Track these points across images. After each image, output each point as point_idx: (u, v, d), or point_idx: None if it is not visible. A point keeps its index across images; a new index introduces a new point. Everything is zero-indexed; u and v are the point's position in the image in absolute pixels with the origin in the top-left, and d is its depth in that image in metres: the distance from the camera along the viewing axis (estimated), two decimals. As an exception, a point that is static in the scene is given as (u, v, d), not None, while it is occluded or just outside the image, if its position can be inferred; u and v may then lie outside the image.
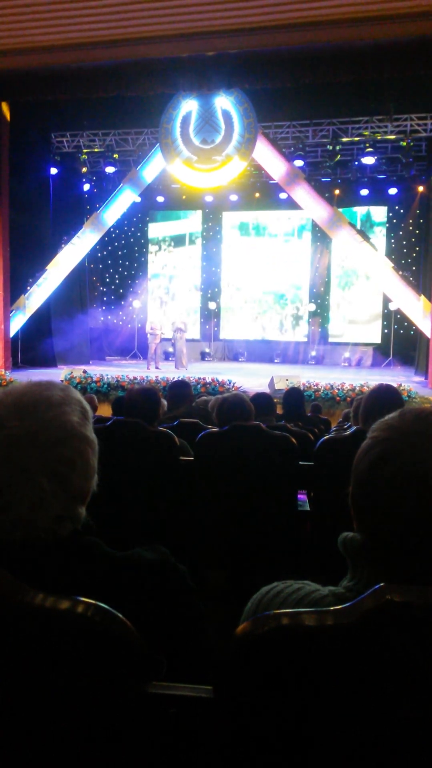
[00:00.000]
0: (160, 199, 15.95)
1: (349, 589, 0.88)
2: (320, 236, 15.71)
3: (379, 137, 12.66)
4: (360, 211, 15.22)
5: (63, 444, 0.96)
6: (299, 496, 2.88)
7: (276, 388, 9.25)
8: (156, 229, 17.31)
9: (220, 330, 16.90)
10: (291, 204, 13.32)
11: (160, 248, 17.31)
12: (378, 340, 15.70)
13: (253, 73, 9.44)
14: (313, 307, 16.16)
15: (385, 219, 15.64)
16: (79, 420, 1.00)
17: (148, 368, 13.11)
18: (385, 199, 15.03)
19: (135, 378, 10.46)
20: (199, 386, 9.52)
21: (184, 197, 15.55)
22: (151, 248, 17.30)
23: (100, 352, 16.16)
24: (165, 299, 17.06)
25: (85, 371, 10.76)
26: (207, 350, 16.50)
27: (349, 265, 15.17)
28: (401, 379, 10.92)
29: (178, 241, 17.25)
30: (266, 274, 16.51)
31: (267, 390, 8.78)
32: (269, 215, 16.39)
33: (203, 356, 16.37)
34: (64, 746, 0.82)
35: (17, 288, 12.34)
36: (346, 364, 15.31)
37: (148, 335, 13.50)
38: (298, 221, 16.18)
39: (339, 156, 13.09)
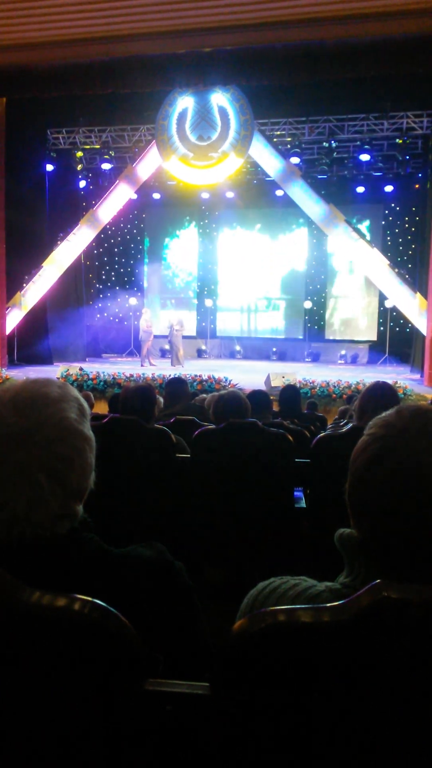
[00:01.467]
0: (156, 195, 15.91)
1: (346, 585, 0.88)
2: (316, 245, 15.75)
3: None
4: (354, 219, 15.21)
5: (61, 441, 0.96)
6: (296, 493, 2.88)
7: (272, 385, 9.25)
8: (151, 242, 17.43)
9: (216, 327, 16.89)
10: (287, 201, 13.30)
11: (152, 262, 17.48)
12: (374, 337, 15.72)
13: (249, 69, 9.42)
14: (309, 304, 16.16)
15: (381, 223, 15.67)
16: (76, 417, 1.00)
17: (141, 365, 13.09)
18: (381, 197, 15.02)
19: (131, 375, 10.44)
20: (195, 383, 9.52)
21: (179, 194, 15.52)
22: (146, 263, 17.42)
23: (97, 349, 16.11)
24: (157, 308, 17.08)
25: (81, 368, 10.74)
26: (203, 347, 16.47)
27: (344, 278, 15.16)
28: (397, 376, 10.94)
29: (171, 254, 17.36)
30: (262, 276, 16.52)
31: (263, 387, 8.79)
32: (265, 217, 16.37)
33: (200, 353, 16.34)
34: (60, 743, 0.82)
35: (13, 285, 12.31)
36: (342, 362, 15.33)
37: (143, 332, 13.48)
38: (295, 228, 16.16)
39: (335, 153, 13.08)
